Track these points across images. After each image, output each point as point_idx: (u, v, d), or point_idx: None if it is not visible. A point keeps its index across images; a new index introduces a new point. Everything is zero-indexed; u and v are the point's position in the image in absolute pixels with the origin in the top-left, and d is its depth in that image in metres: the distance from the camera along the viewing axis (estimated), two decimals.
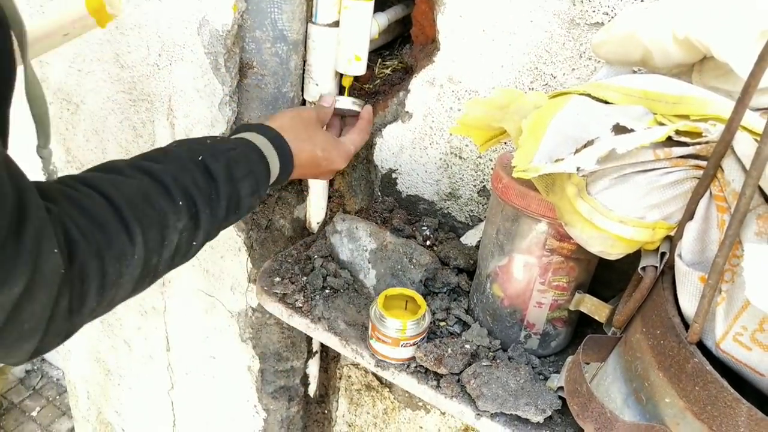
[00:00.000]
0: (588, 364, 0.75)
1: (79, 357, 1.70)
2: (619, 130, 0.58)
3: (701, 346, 0.56)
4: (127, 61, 1.06)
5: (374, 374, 1.27)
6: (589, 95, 0.65)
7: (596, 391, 0.65)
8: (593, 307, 0.79)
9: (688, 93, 0.58)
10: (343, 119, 1.04)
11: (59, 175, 0.64)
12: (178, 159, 0.72)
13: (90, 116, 1.18)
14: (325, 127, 0.97)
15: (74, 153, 1.26)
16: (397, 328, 0.82)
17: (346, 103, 0.99)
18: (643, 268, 0.65)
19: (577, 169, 0.58)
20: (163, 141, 1.11)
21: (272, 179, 0.83)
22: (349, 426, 1.36)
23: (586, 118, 0.61)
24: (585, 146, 0.59)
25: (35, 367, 2.77)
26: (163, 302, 1.36)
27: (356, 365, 1.29)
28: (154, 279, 0.69)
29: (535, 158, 0.62)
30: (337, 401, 1.36)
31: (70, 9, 0.75)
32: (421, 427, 1.22)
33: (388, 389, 1.26)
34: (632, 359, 0.64)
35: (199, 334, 1.34)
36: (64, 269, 0.55)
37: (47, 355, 2.73)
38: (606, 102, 0.64)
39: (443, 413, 1.17)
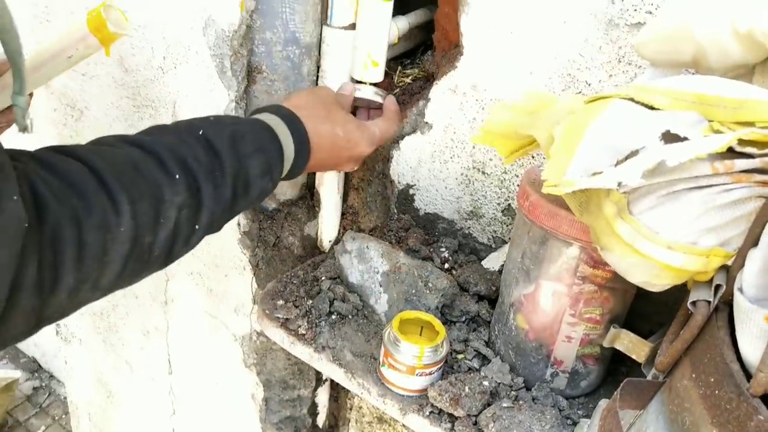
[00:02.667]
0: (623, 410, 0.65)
1: (82, 377, 1.64)
2: (670, 138, 0.49)
3: (767, 399, 0.47)
4: (131, 65, 1.00)
5: None
6: (632, 99, 0.56)
7: None
8: (631, 344, 0.69)
9: (753, 96, 0.49)
10: (368, 112, 0.96)
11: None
12: (175, 133, 0.64)
13: (95, 123, 1.13)
14: None
15: None
16: (414, 354, 0.73)
17: (368, 92, 0.91)
18: (693, 303, 0.55)
19: (619, 184, 0.49)
20: None
21: (287, 162, 0.74)
22: None
23: (630, 125, 0.52)
24: (628, 157, 0.50)
25: (43, 384, 2.72)
26: (165, 322, 1.29)
27: None
28: (149, 265, 0.60)
29: (568, 171, 0.53)
30: None
31: (71, 29, 0.69)
32: None
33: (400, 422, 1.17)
34: (679, 410, 0.54)
35: (202, 358, 1.27)
36: (27, 224, 0.47)
37: (56, 371, 2.68)
38: (652, 108, 0.55)
39: None
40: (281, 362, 1.14)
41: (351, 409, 1.25)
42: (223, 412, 1.31)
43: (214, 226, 0.66)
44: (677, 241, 0.51)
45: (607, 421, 0.60)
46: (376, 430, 1.22)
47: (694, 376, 0.54)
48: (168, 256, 0.62)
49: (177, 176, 0.59)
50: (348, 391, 1.25)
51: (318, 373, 1.21)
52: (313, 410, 1.25)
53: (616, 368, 0.81)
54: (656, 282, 0.55)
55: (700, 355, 0.54)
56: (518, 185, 0.89)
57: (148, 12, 0.94)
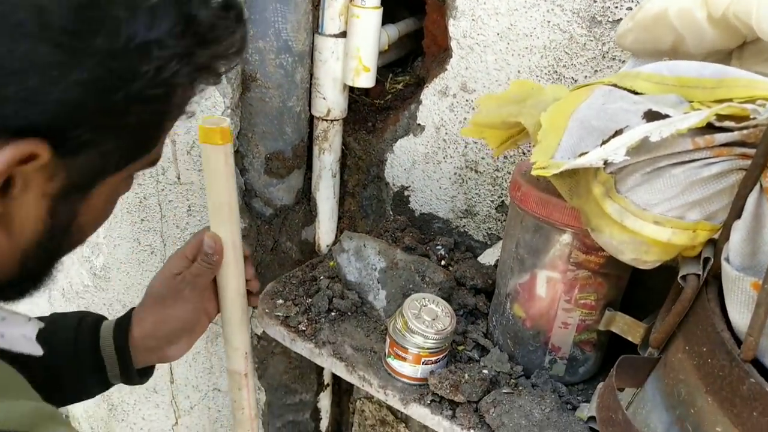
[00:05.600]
0: (622, 390, 0.67)
1: None
2: (652, 116, 0.51)
3: (757, 364, 0.48)
4: None
5: (388, 408, 1.18)
6: (615, 85, 0.58)
7: (633, 420, 0.57)
8: (626, 326, 0.71)
9: (730, 75, 0.52)
10: None
11: None
12: None
13: None
14: None
15: None
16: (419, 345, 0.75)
17: None
18: (683, 278, 0.57)
19: (605, 162, 0.51)
20: (164, 157, 1.06)
21: None
22: None
23: (614, 107, 0.54)
24: (612, 137, 0.52)
25: None
26: None
27: (370, 398, 1.21)
28: None
29: (556, 154, 0.56)
30: None
31: (204, 169, 0.70)
32: None
33: (403, 424, 1.17)
34: (674, 382, 0.56)
35: (203, 365, 1.27)
36: None
37: None
38: (635, 92, 0.58)
39: None
40: (282, 366, 1.15)
41: (353, 413, 1.26)
42: (226, 418, 1.32)
43: None
44: (664, 216, 0.54)
45: (605, 399, 0.62)
46: None
47: (687, 348, 0.56)
48: None
49: None
50: (350, 394, 1.26)
51: (320, 378, 1.22)
52: (316, 415, 1.26)
53: (614, 356, 0.82)
54: (646, 258, 0.57)
55: (692, 327, 0.56)
56: (510, 181, 0.91)
57: None
